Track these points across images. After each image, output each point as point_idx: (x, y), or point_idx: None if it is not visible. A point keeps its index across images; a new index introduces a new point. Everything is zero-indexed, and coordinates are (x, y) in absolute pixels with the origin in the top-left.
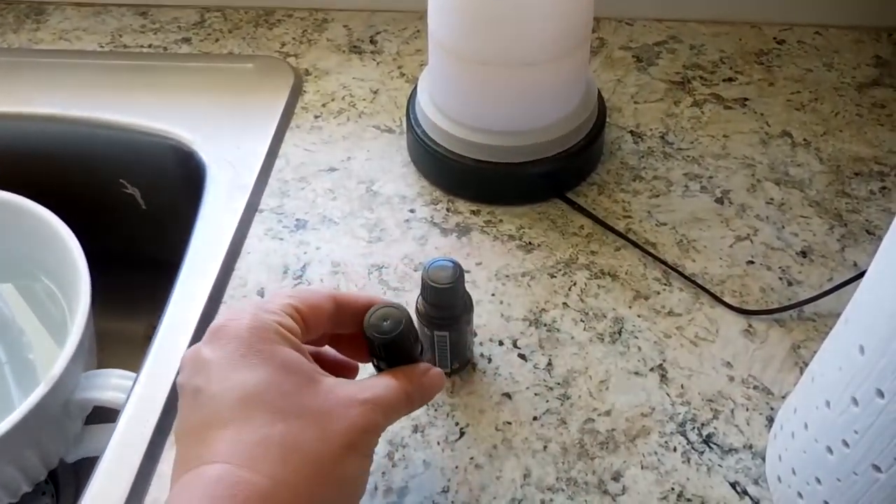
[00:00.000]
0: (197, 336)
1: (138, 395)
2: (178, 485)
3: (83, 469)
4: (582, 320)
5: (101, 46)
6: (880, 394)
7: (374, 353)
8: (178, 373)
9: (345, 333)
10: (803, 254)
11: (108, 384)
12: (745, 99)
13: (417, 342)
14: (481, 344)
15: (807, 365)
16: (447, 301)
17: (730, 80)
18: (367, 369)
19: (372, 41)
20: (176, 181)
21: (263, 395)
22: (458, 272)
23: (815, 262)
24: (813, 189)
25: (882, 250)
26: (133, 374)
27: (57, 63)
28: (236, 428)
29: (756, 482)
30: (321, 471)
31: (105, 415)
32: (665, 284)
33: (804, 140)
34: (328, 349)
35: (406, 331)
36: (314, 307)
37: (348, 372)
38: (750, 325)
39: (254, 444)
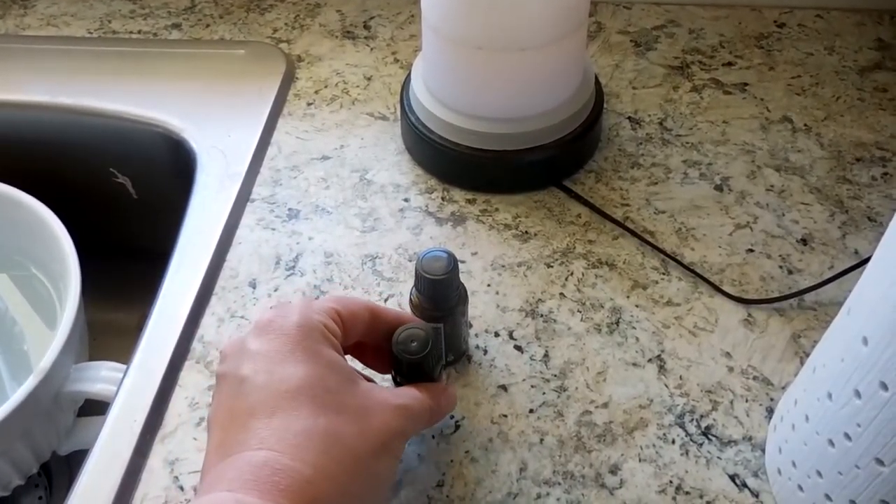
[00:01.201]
0: (188, 328)
1: (128, 387)
2: (222, 465)
3: (76, 462)
4: (579, 311)
5: (90, 32)
6: (884, 386)
7: (398, 369)
8: (220, 362)
9: (369, 344)
10: (804, 241)
11: (99, 376)
12: (745, 84)
13: (439, 362)
14: (477, 335)
15: (807, 355)
16: (441, 292)
17: (729, 64)
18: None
19: (365, 26)
20: (167, 170)
21: (309, 390)
22: (453, 263)
23: (815, 250)
24: (813, 175)
25: (885, 239)
26: (123, 366)
27: (45, 49)
28: (282, 418)
29: (756, 474)
30: (359, 465)
31: (97, 407)
32: (663, 274)
33: (805, 125)
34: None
35: (431, 352)
36: (353, 314)
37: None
38: (749, 315)
39: (298, 433)
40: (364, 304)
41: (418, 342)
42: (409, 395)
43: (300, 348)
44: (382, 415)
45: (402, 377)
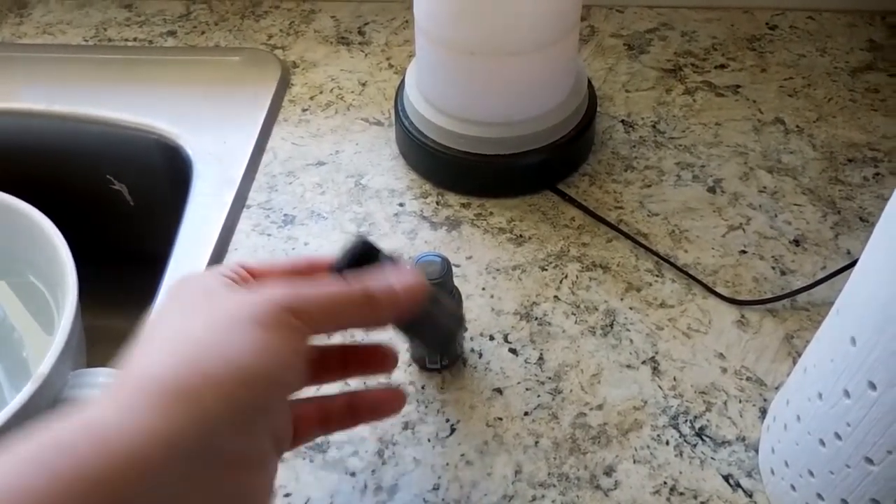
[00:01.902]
0: None
1: None
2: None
3: None
4: (573, 313)
5: (86, 40)
6: (872, 386)
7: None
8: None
9: (361, 349)
10: (796, 242)
11: (97, 383)
12: (738, 86)
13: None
14: (472, 339)
15: (800, 355)
16: None
17: (722, 66)
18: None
19: (360, 32)
20: (163, 177)
21: (176, 293)
22: (447, 267)
23: (808, 251)
24: (806, 176)
25: (873, 240)
26: None
27: (41, 57)
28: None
29: (749, 475)
30: (220, 338)
31: None
32: (657, 276)
33: (797, 127)
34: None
35: (376, 249)
36: (267, 267)
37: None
38: (743, 316)
39: (144, 340)
40: (291, 266)
41: (350, 247)
42: (318, 283)
43: (185, 296)
44: (257, 296)
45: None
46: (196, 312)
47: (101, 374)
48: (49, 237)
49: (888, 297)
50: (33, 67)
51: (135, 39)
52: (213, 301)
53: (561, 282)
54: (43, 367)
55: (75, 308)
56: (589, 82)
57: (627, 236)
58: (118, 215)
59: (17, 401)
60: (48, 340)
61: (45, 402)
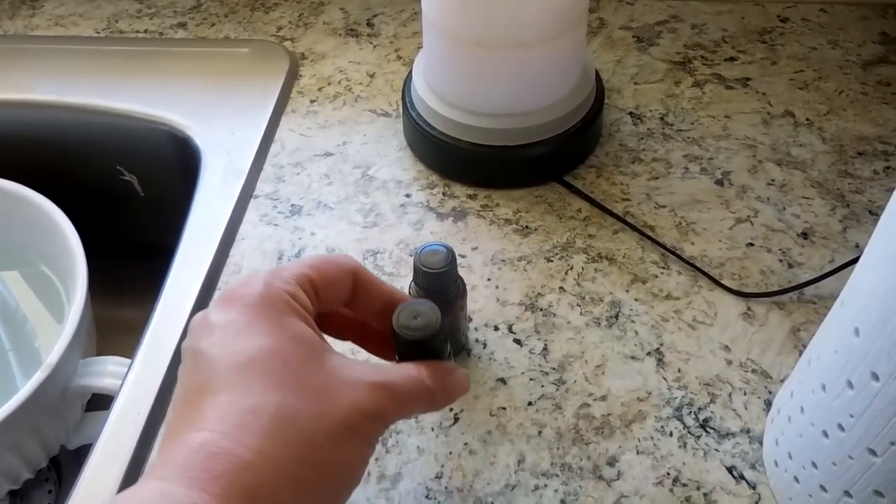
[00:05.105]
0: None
1: (132, 381)
2: (163, 451)
3: (86, 456)
4: (578, 304)
5: (97, 32)
6: (875, 377)
7: (400, 350)
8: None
9: (373, 328)
10: (804, 235)
11: (106, 371)
12: (747, 78)
13: (447, 343)
14: (476, 329)
15: (806, 348)
16: (440, 286)
17: (732, 59)
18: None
19: (369, 24)
20: (173, 167)
21: (264, 364)
22: (451, 257)
23: (816, 244)
24: (815, 169)
25: (877, 231)
26: (130, 361)
27: (53, 49)
28: (228, 394)
29: (753, 466)
30: (314, 450)
31: (106, 401)
32: (663, 268)
33: (807, 120)
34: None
35: (437, 331)
36: (331, 282)
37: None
38: (749, 308)
39: (243, 412)
40: (347, 270)
41: (422, 318)
42: (398, 372)
43: (260, 319)
44: (351, 393)
45: (406, 360)
46: (283, 386)
47: (110, 363)
48: (60, 227)
49: (891, 288)
50: (45, 59)
51: (145, 31)
52: (301, 382)
53: (566, 273)
54: (52, 356)
55: (85, 298)
56: (597, 74)
57: (634, 228)
58: (128, 206)
59: (26, 389)
60: (59, 330)
61: (54, 390)
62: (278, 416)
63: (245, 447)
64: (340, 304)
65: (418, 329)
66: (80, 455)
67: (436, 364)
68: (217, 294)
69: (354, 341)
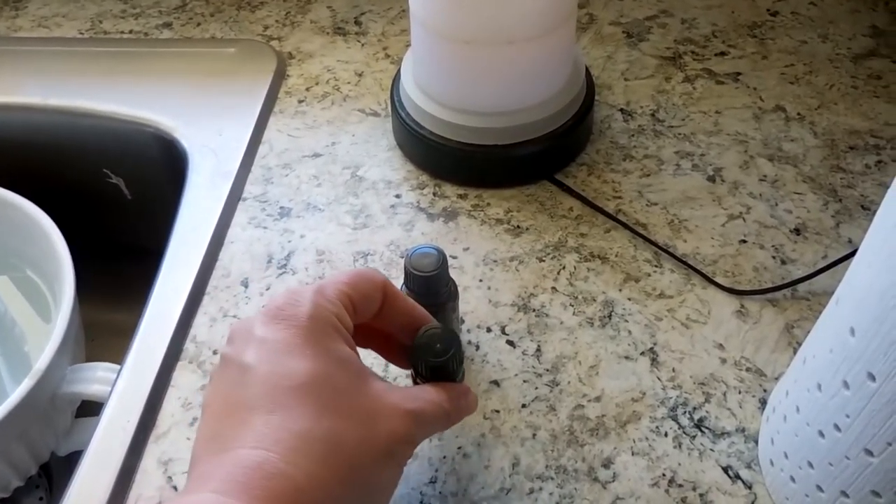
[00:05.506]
0: (180, 328)
1: (121, 388)
2: (214, 461)
3: (76, 462)
4: (571, 304)
5: (81, 33)
6: (871, 377)
7: (420, 372)
8: (226, 343)
9: (394, 339)
10: (797, 231)
11: (94, 377)
12: (738, 73)
13: (461, 365)
14: (469, 331)
15: (800, 345)
16: (431, 289)
17: (722, 54)
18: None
19: (356, 22)
20: (160, 169)
21: (314, 388)
22: (442, 259)
23: (809, 240)
24: (807, 164)
25: (872, 228)
26: (119, 367)
27: (36, 51)
28: (282, 416)
29: (749, 466)
30: (357, 475)
31: (96, 408)
32: (656, 266)
33: (798, 114)
34: None
35: (454, 355)
36: (366, 298)
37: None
38: (742, 306)
39: (298, 435)
40: (378, 285)
41: (442, 344)
42: (425, 397)
43: (310, 342)
44: (390, 421)
45: (423, 379)
46: (333, 411)
47: (99, 369)
48: (45, 232)
49: (887, 286)
50: (29, 61)
51: (130, 32)
52: (347, 408)
53: (559, 273)
54: (40, 362)
55: (73, 302)
56: (587, 71)
57: (626, 226)
58: (116, 209)
59: (14, 396)
60: (48, 335)
61: (43, 396)
62: (328, 440)
63: (299, 470)
64: (371, 317)
65: (440, 354)
66: (70, 462)
67: (453, 387)
68: (206, 297)
69: (377, 350)
